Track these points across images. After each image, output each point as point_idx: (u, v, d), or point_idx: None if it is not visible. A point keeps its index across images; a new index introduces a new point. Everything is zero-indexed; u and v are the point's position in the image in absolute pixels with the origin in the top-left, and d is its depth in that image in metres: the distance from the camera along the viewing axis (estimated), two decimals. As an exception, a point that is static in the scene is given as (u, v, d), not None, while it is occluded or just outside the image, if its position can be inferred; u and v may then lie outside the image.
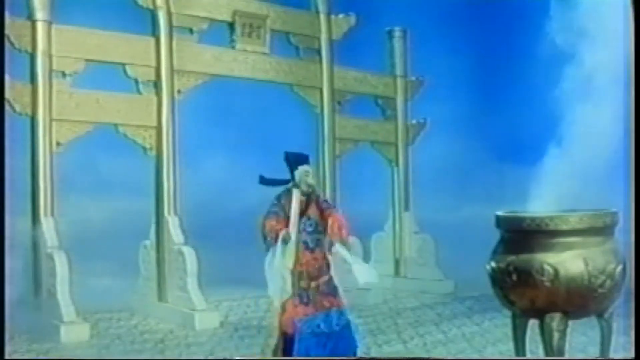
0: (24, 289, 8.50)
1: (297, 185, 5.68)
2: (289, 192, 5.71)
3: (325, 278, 5.73)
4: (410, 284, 11.32)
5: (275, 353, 5.77)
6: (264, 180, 5.83)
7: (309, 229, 5.65)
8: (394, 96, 11.92)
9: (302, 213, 5.65)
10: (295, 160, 5.76)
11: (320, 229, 5.70)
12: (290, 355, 5.63)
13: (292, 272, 5.62)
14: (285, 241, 5.55)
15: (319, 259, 5.69)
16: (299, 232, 5.59)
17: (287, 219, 5.61)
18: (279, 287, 5.61)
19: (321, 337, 5.65)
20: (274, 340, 5.78)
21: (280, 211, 5.66)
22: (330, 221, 5.70)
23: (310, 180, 5.72)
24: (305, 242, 5.64)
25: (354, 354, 5.78)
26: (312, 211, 5.70)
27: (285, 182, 5.75)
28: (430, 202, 12.17)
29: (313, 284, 5.68)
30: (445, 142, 13.17)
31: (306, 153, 5.96)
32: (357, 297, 9.83)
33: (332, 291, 5.74)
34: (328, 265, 5.77)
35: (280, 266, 5.55)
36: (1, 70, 6.85)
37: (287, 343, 5.67)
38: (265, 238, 5.66)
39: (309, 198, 5.72)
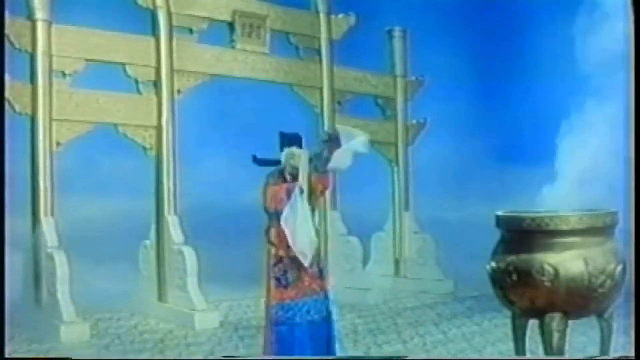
0: (24, 289, 8.51)
1: (284, 168, 5.70)
2: (279, 172, 5.72)
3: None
4: (410, 284, 11.32)
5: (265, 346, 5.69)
6: (257, 160, 5.84)
7: None
8: (394, 96, 11.91)
9: (288, 196, 5.60)
10: (284, 141, 5.77)
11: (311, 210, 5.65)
12: (280, 344, 5.55)
13: (276, 255, 5.58)
14: (302, 190, 5.50)
15: None
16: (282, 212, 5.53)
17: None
18: (309, 238, 5.51)
19: (301, 326, 5.55)
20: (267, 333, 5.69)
21: (277, 179, 5.68)
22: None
23: (295, 162, 5.67)
24: None
25: (330, 345, 5.67)
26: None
27: (278, 162, 5.77)
28: (430, 202, 12.16)
29: (297, 269, 5.58)
30: (445, 142, 13.17)
31: (299, 134, 5.90)
32: (357, 297, 9.89)
33: (320, 274, 5.68)
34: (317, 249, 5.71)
35: (305, 215, 5.48)
36: (1, 70, 6.85)
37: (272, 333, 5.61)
38: (267, 209, 5.64)
39: (296, 180, 5.65)
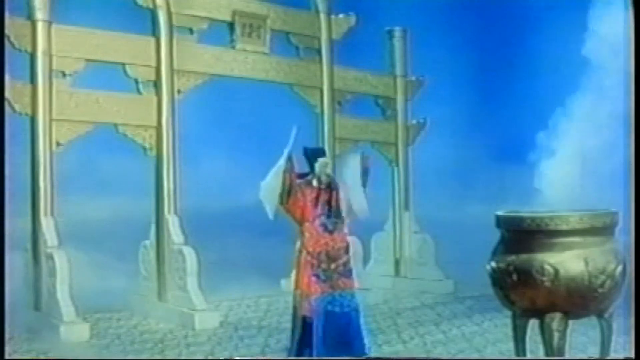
0: (24, 289, 8.51)
1: (317, 177, 6.20)
2: (307, 183, 6.21)
3: (343, 259, 6.19)
4: (410, 284, 11.32)
5: (293, 338, 6.14)
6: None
7: (328, 214, 6.16)
8: (394, 96, 11.90)
9: (324, 201, 6.18)
10: (313, 154, 6.33)
11: (340, 213, 6.21)
12: (309, 337, 6.02)
13: (312, 253, 6.08)
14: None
15: (338, 241, 6.17)
16: (318, 216, 6.11)
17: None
18: (270, 191, 6.05)
19: (332, 316, 6.07)
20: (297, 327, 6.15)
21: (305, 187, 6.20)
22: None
23: (329, 170, 6.31)
24: (324, 225, 6.13)
25: (360, 340, 6.24)
26: (334, 200, 6.21)
27: (306, 175, 6.27)
28: (430, 202, 12.17)
29: (333, 265, 6.12)
30: (445, 142, 13.18)
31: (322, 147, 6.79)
32: (357, 297, 9.87)
33: (348, 273, 6.22)
34: (347, 248, 6.24)
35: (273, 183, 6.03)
36: (1, 70, 6.85)
37: (306, 326, 6.08)
38: (293, 215, 6.24)
39: (330, 187, 6.23)
